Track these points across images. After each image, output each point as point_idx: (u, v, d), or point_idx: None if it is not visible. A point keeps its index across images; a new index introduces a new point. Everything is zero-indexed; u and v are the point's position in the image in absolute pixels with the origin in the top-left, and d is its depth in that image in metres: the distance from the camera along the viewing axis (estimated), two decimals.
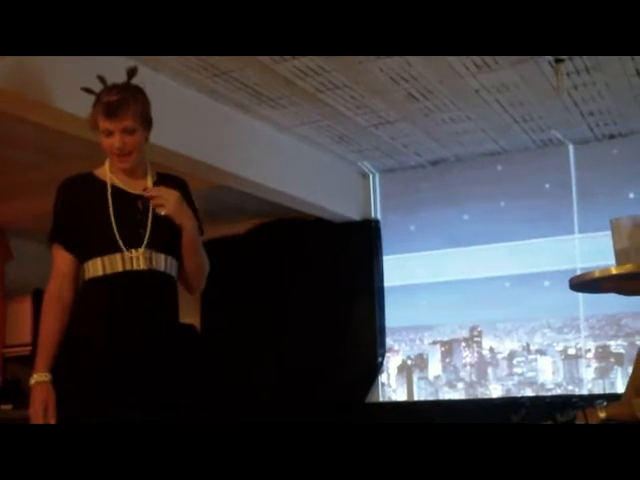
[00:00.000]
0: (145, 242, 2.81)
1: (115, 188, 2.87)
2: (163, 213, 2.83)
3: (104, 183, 2.88)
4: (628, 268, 2.59)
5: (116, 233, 2.80)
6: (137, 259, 2.79)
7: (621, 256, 2.64)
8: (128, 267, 2.78)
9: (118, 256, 2.78)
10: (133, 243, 2.80)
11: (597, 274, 2.58)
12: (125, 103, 2.77)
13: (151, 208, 2.86)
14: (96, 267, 2.81)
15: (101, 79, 2.88)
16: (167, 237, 2.87)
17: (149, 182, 2.92)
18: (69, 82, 2.94)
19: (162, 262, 2.84)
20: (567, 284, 3.10)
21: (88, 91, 2.88)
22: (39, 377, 2.75)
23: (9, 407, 6.53)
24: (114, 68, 2.91)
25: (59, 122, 3.94)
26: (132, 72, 2.90)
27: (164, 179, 2.97)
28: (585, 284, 2.80)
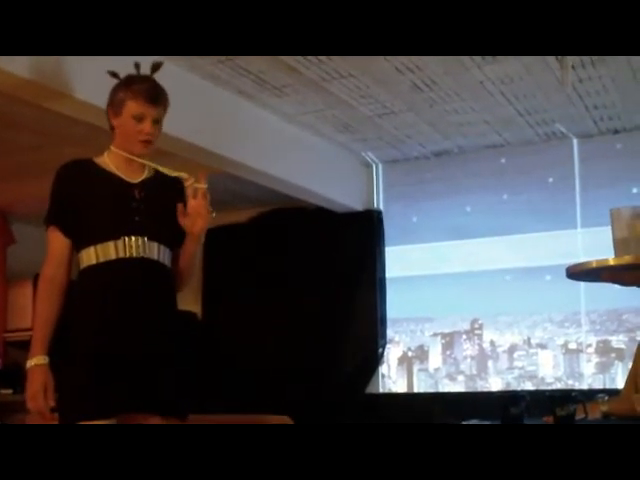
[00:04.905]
0: (139, 230, 2.82)
1: (114, 176, 2.90)
2: (199, 226, 2.88)
3: (103, 170, 2.91)
4: (626, 260, 2.58)
5: (110, 221, 2.82)
6: (130, 247, 2.81)
7: (620, 246, 2.63)
8: (121, 255, 2.80)
9: (111, 244, 2.80)
10: (127, 231, 2.81)
11: (594, 264, 2.58)
12: (163, 93, 2.93)
13: (147, 197, 2.90)
14: (90, 256, 2.82)
15: (136, 67, 2.97)
16: (162, 226, 2.89)
17: (147, 174, 2.95)
18: (89, 74, 3.03)
19: (155, 250, 2.85)
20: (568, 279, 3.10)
21: (114, 75, 2.95)
22: (37, 360, 2.76)
23: (9, 392, 6.54)
24: (124, 61, 3.01)
25: (80, 112, 3.96)
26: (156, 67, 2.99)
27: (162, 173, 2.98)
28: (582, 274, 2.80)
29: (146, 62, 3.02)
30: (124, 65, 2.99)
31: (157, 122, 2.89)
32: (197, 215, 2.88)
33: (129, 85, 2.88)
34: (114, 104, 2.89)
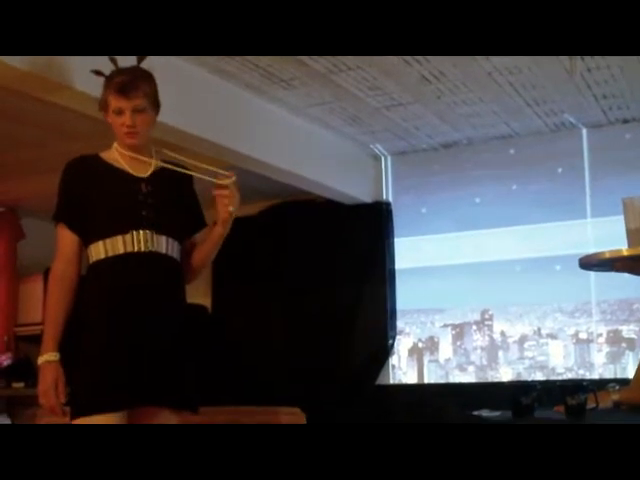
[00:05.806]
0: (147, 224, 2.83)
1: (120, 170, 2.91)
2: (230, 209, 2.87)
3: (109, 165, 2.92)
4: None
5: (118, 215, 2.83)
6: (138, 241, 2.81)
7: (634, 236, 2.62)
8: (129, 249, 2.80)
9: (120, 238, 2.81)
10: (135, 225, 2.82)
11: (607, 255, 2.57)
12: (137, 82, 2.87)
13: (154, 191, 2.91)
14: (98, 250, 2.83)
15: (113, 60, 2.96)
16: (170, 220, 2.89)
17: (154, 168, 2.95)
18: (89, 66, 3.05)
19: (163, 244, 2.86)
20: (579, 268, 3.10)
21: (98, 73, 2.97)
22: (49, 357, 2.78)
23: (21, 385, 6.57)
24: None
25: (81, 104, 3.95)
26: (140, 59, 2.99)
27: (170, 164, 3.00)
28: (595, 264, 2.79)
29: (149, 61, 3.02)
30: (122, 59, 3.00)
31: (139, 111, 2.86)
32: (222, 197, 2.89)
33: (108, 82, 2.91)
34: (101, 103, 2.93)
